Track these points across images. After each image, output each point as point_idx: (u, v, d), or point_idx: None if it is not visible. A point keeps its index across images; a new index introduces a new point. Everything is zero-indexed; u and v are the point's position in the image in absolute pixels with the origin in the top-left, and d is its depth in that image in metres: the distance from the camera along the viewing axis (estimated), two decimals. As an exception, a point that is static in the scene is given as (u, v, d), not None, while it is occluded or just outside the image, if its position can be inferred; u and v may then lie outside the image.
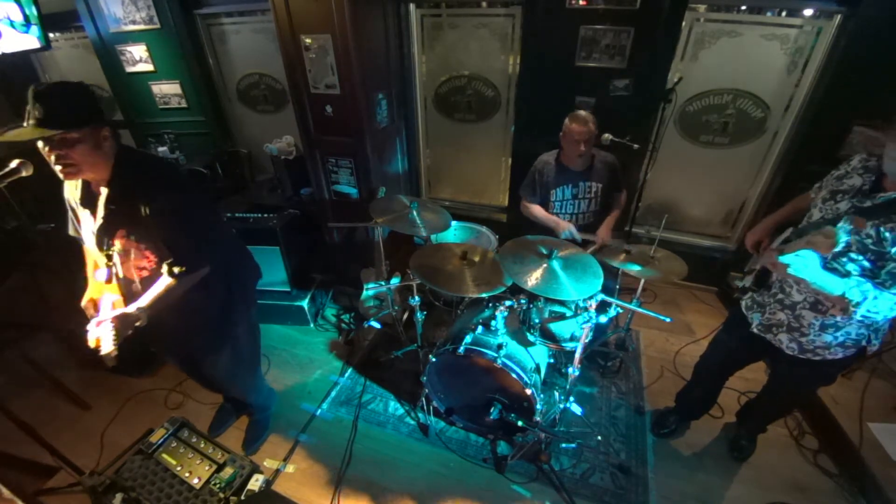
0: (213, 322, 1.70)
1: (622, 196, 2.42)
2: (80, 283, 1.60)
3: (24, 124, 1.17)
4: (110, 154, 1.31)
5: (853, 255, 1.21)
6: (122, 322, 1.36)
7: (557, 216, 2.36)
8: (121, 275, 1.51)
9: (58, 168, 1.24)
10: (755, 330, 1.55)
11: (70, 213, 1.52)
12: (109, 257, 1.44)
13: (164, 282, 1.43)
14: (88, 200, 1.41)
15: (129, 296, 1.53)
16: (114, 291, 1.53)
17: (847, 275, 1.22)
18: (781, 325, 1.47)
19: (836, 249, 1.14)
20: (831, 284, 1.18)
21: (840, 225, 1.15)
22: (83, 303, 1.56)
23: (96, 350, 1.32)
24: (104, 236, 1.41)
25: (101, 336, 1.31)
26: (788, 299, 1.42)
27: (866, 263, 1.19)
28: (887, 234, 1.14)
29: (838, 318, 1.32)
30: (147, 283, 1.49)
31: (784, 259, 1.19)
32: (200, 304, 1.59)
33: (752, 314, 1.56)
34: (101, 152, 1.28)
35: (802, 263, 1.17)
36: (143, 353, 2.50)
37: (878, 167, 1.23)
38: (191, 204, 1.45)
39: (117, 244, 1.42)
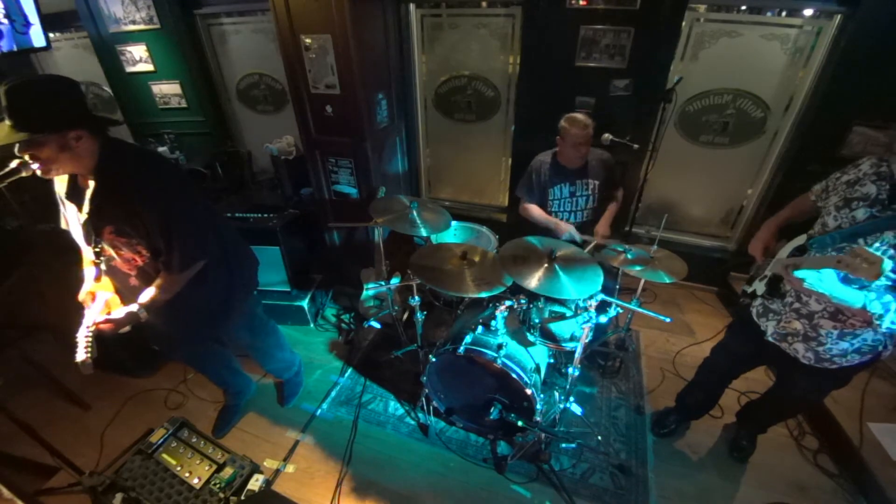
0: (216, 310, 1.71)
1: (619, 192, 2.43)
2: (79, 280, 1.58)
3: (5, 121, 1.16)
4: (88, 152, 1.27)
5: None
6: (118, 322, 1.36)
7: (556, 215, 2.37)
8: (115, 270, 1.49)
9: (38, 168, 1.23)
10: (770, 339, 1.51)
11: (60, 206, 1.49)
12: (98, 254, 1.41)
13: (162, 279, 1.42)
14: (74, 194, 1.37)
15: (125, 291, 1.50)
16: (107, 288, 1.50)
17: (866, 285, 1.17)
18: (797, 334, 1.42)
19: (881, 281, 1.03)
20: (851, 297, 1.14)
21: (878, 248, 1.07)
22: (81, 296, 1.51)
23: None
24: (91, 232, 1.38)
25: (77, 343, 1.30)
26: (805, 308, 1.38)
27: (892, 274, 1.13)
28: None
29: (856, 328, 1.29)
30: (143, 275, 1.47)
31: (800, 274, 1.16)
32: (202, 294, 1.58)
33: (766, 322, 1.52)
34: (72, 153, 1.24)
35: (819, 278, 1.14)
36: (143, 353, 2.50)
37: (891, 174, 1.19)
38: (182, 196, 1.41)
39: (105, 241, 1.39)
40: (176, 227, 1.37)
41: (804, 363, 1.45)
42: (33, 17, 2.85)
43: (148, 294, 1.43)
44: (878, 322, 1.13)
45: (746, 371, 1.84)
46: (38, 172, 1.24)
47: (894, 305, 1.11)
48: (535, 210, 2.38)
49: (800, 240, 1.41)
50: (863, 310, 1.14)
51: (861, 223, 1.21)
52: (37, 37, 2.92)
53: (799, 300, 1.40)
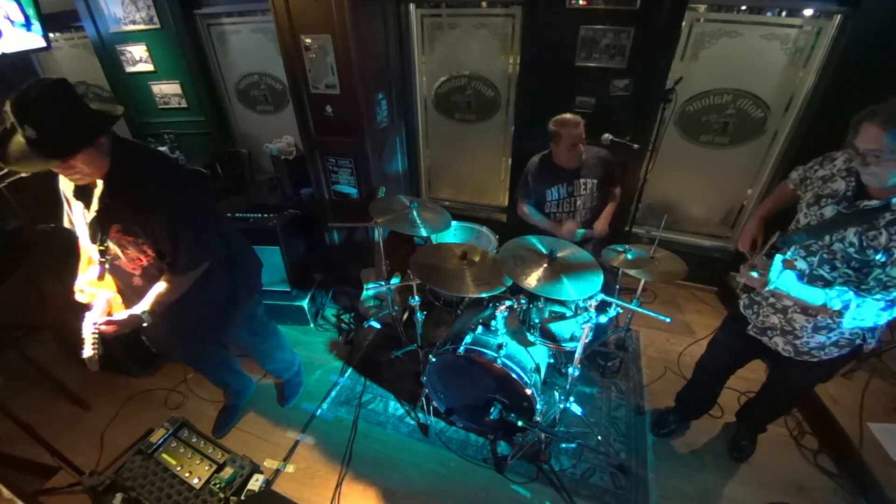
0: (218, 312, 1.71)
1: (617, 190, 2.42)
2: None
3: (17, 137, 1.14)
4: (107, 150, 1.30)
5: (838, 264, 1.21)
6: (122, 324, 1.36)
7: (556, 216, 2.36)
8: (119, 269, 1.48)
9: (67, 176, 1.26)
10: (751, 332, 1.55)
11: (65, 205, 1.49)
12: (103, 252, 1.41)
13: (167, 280, 1.42)
14: (82, 192, 1.38)
15: (128, 291, 1.50)
16: (109, 288, 1.50)
17: (831, 282, 1.21)
18: (775, 328, 1.47)
19: (769, 289, 1.15)
20: (811, 296, 1.16)
21: (775, 264, 1.13)
22: (75, 288, 1.50)
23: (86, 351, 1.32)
24: (98, 230, 1.39)
25: (84, 338, 1.31)
26: (780, 303, 1.43)
27: (850, 271, 1.19)
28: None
29: (829, 321, 1.31)
30: (147, 275, 1.47)
31: (756, 273, 1.19)
32: (204, 295, 1.58)
33: (751, 314, 1.57)
34: (101, 153, 1.28)
35: (776, 276, 1.16)
36: (143, 353, 2.49)
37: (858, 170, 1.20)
38: (188, 198, 1.42)
39: (112, 239, 1.40)
40: (181, 227, 1.37)
41: (785, 356, 1.48)
42: (33, 17, 2.85)
43: (152, 297, 1.43)
44: (838, 319, 1.16)
45: (741, 366, 1.85)
46: (75, 182, 1.30)
47: (854, 302, 1.13)
48: (533, 215, 2.37)
49: (774, 238, 1.43)
50: (823, 307, 1.16)
51: (828, 220, 1.24)
52: (37, 37, 2.92)
53: (773, 294, 1.42)
